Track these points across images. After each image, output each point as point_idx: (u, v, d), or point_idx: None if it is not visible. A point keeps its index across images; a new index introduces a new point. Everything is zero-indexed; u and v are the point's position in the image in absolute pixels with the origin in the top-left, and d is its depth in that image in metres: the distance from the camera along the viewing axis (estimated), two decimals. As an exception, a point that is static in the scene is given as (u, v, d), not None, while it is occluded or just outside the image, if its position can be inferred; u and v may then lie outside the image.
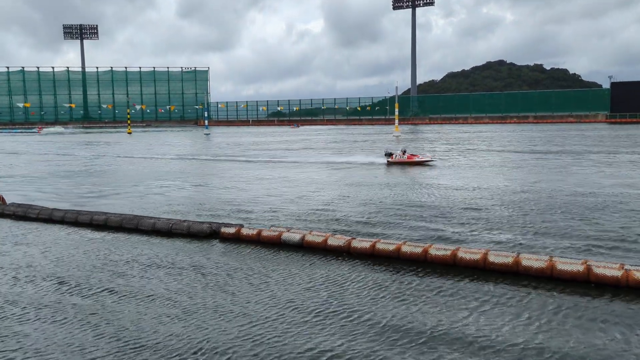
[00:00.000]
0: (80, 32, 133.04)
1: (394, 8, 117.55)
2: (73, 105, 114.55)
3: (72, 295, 5.64)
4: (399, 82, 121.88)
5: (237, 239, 7.87)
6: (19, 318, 4.95)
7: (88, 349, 4.25)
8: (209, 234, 8.10)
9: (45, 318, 4.97)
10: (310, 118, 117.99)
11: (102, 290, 5.75)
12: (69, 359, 4.02)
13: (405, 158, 20.32)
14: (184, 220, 8.64)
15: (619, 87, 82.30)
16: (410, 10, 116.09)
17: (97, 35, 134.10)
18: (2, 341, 4.45)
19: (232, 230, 7.97)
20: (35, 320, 4.90)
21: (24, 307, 5.28)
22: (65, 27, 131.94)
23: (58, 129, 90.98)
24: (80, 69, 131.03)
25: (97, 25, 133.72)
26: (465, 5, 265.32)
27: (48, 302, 5.40)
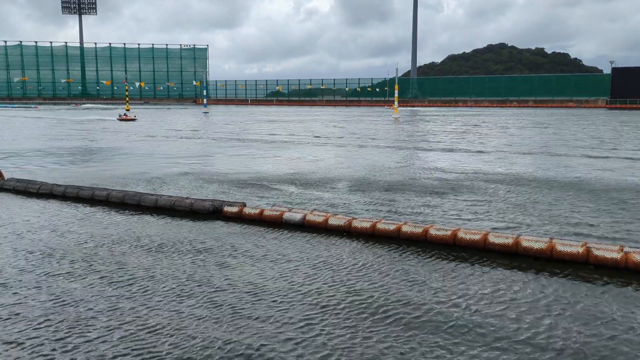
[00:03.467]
0: (79, 7, 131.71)
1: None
2: (70, 80, 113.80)
3: (72, 280, 5.68)
4: (404, 63, 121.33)
5: (239, 218, 7.93)
6: (16, 302, 4.96)
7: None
8: (212, 211, 8.15)
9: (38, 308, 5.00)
10: (309, 98, 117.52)
11: (105, 271, 5.78)
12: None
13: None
14: (186, 198, 8.68)
15: (619, 73, 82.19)
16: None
17: (96, 11, 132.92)
18: None
19: (234, 208, 8.02)
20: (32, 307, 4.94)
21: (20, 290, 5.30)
22: (63, 1, 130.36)
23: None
24: (78, 45, 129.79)
25: (95, 0, 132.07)
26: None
27: (40, 283, 5.43)
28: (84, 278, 5.35)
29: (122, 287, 5.10)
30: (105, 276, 5.42)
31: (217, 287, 5.07)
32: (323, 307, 4.60)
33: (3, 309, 4.55)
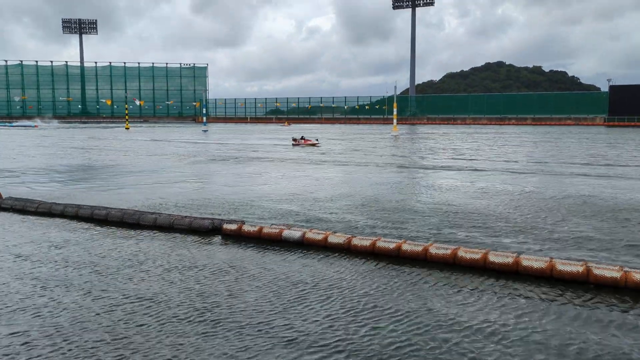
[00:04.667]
0: (79, 27, 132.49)
1: (394, 7, 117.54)
2: (70, 99, 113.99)
3: (72, 297, 5.65)
4: (404, 81, 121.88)
5: (238, 236, 7.91)
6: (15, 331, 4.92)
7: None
8: (211, 229, 8.13)
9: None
10: (308, 116, 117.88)
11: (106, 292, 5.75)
12: None
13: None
14: (186, 216, 8.67)
15: (617, 90, 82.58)
16: (410, 10, 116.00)
17: (96, 30, 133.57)
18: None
19: (233, 226, 8.01)
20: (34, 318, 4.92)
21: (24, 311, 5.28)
22: (64, 21, 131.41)
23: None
24: (78, 64, 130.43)
25: (96, 20, 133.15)
26: (480, 5, 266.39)
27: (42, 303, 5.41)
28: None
29: (129, 314, 5.08)
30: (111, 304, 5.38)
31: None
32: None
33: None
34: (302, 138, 32.40)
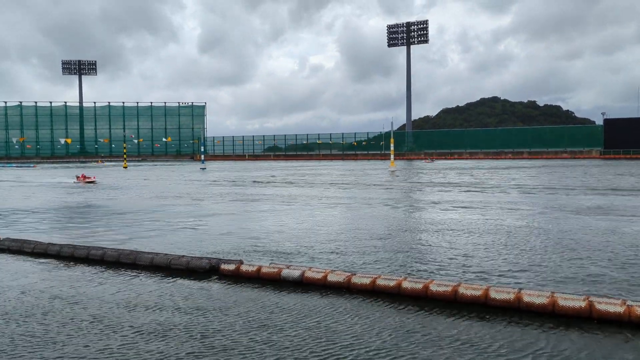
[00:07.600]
0: (79, 68, 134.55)
1: (389, 46, 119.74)
2: (69, 141, 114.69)
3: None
4: (403, 117, 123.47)
5: (236, 275, 7.84)
6: None
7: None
8: (208, 269, 8.06)
9: None
10: (306, 153, 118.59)
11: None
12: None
13: None
14: (183, 256, 8.59)
15: (611, 124, 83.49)
16: (405, 47, 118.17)
17: (96, 71, 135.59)
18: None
19: (231, 266, 7.94)
20: None
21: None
22: (64, 62, 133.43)
23: None
24: (77, 104, 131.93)
25: (95, 61, 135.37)
26: (483, 41, 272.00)
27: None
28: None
29: None
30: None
31: None
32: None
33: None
34: None
